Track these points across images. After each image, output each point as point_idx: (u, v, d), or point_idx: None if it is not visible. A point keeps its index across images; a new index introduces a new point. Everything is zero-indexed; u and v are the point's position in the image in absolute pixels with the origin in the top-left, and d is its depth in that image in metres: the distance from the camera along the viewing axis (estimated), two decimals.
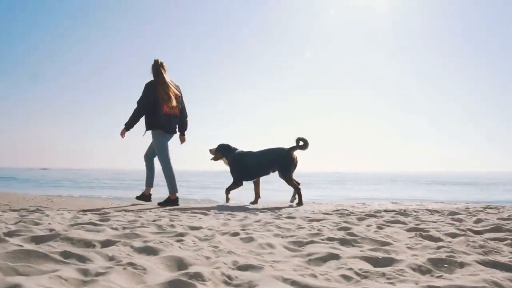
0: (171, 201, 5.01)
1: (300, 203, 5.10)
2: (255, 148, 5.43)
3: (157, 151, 5.05)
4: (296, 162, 5.17)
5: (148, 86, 4.96)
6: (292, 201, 5.23)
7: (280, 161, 5.11)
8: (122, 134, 4.99)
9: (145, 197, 5.26)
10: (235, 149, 5.38)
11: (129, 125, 4.95)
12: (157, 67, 5.01)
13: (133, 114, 4.94)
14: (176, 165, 5.16)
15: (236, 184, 5.31)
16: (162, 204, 4.96)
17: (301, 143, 5.12)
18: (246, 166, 5.22)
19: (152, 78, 5.04)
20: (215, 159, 5.43)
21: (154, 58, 5.06)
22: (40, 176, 29.18)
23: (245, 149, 5.44)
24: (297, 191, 5.14)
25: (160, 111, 4.89)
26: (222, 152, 5.37)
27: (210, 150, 5.43)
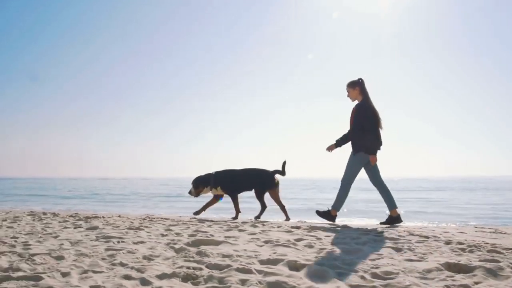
0: (393, 218, 4.61)
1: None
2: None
3: (375, 176, 4.71)
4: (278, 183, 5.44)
5: (366, 109, 4.62)
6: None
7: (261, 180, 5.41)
8: (330, 149, 4.86)
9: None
10: (208, 174, 5.43)
11: (339, 143, 4.80)
12: (365, 88, 4.70)
13: (364, 137, 4.58)
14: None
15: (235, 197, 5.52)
16: (386, 223, 4.61)
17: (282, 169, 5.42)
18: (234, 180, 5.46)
19: (351, 97, 4.77)
20: (197, 194, 5.44)
21: (358, 78, 4.73)
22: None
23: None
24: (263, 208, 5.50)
25: (380, 134, 4.62)
26: (200, 184, 5.41)
27: (190, 192, 5.47)
